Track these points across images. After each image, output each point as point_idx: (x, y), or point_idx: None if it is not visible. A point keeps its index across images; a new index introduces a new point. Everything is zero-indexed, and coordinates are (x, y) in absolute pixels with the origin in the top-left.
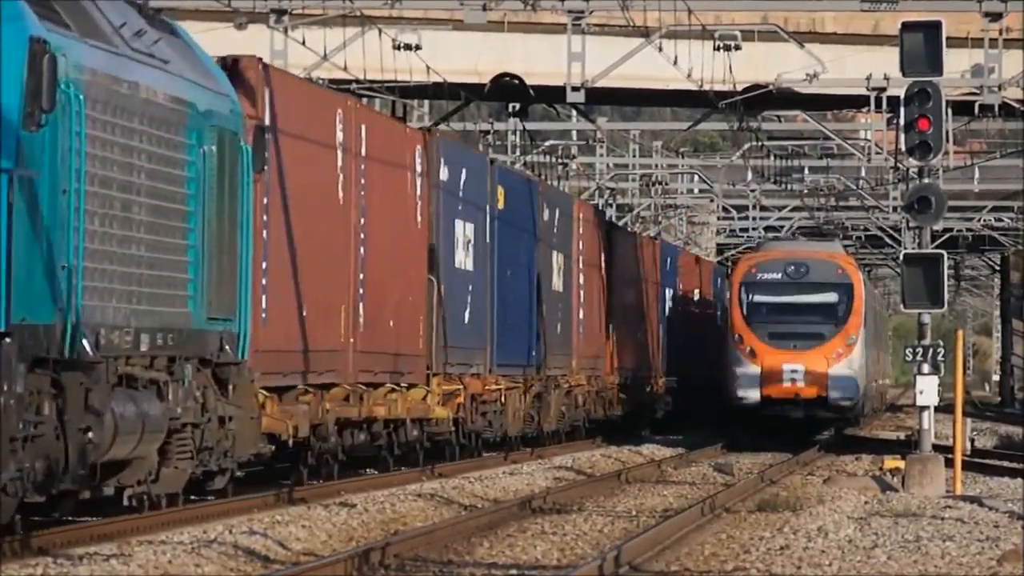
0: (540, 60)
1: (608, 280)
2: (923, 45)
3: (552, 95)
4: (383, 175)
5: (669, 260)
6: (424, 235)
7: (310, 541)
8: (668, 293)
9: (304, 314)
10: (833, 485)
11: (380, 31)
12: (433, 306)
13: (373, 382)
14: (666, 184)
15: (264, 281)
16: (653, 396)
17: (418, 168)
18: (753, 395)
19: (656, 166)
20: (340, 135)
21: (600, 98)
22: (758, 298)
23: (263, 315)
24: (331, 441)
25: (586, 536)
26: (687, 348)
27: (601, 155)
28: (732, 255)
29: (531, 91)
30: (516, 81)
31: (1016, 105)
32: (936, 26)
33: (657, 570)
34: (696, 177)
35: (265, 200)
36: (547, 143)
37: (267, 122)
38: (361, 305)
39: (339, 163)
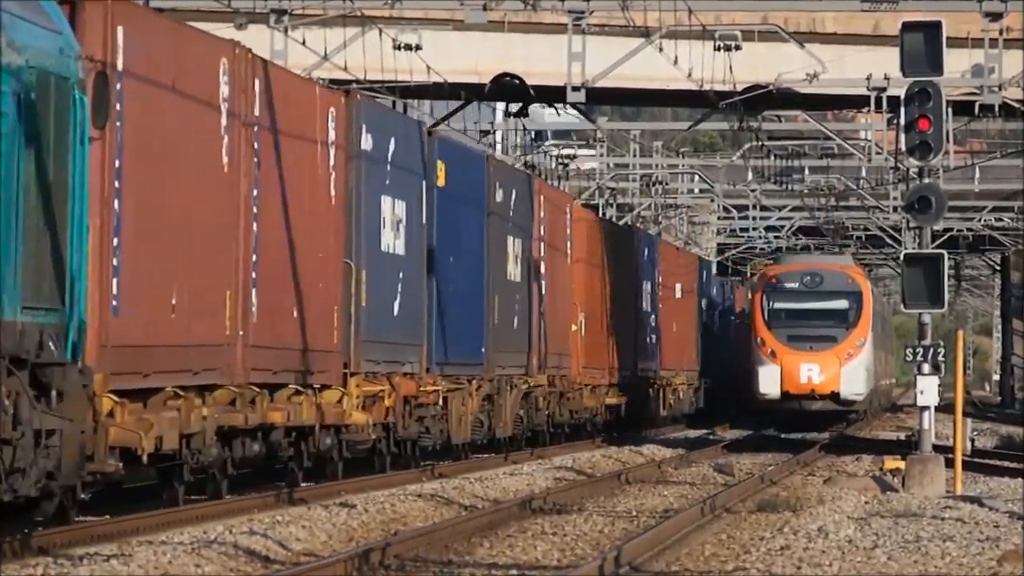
0: (540, 60)
1: (580, 271)
2: (923, 45)
3: (552, 95)
4: (286, 141)
5: (647, 250)
6: (340, 213)
7: (310, 541)
8: (647, 286)
9: (173, 302)
10: (833, 485)
11: (380, 31)
12: (351, 294)
13: (272, 383)
14: (666, 184)
15: (115, 262)
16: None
17: (331, 135)
18: (774, 391)
19: (656, 166)
20: (225, 90)
21: (600, 98)
22: (778, 305)
23: (113, 303)
24: (212, 454)
25: (586, 536)
26: (670, 345)
27: (601, 155)
28: (733, 255)
29: (531, 91)
30: (516, 81)
31: (1016, 105)
32: (936, 26)
33: (657, 570)
34: (696, 177)
35: (118, 163)
36: (547, 143)
37: (120, 68)
38: (254, 292)
39: (223, 124)
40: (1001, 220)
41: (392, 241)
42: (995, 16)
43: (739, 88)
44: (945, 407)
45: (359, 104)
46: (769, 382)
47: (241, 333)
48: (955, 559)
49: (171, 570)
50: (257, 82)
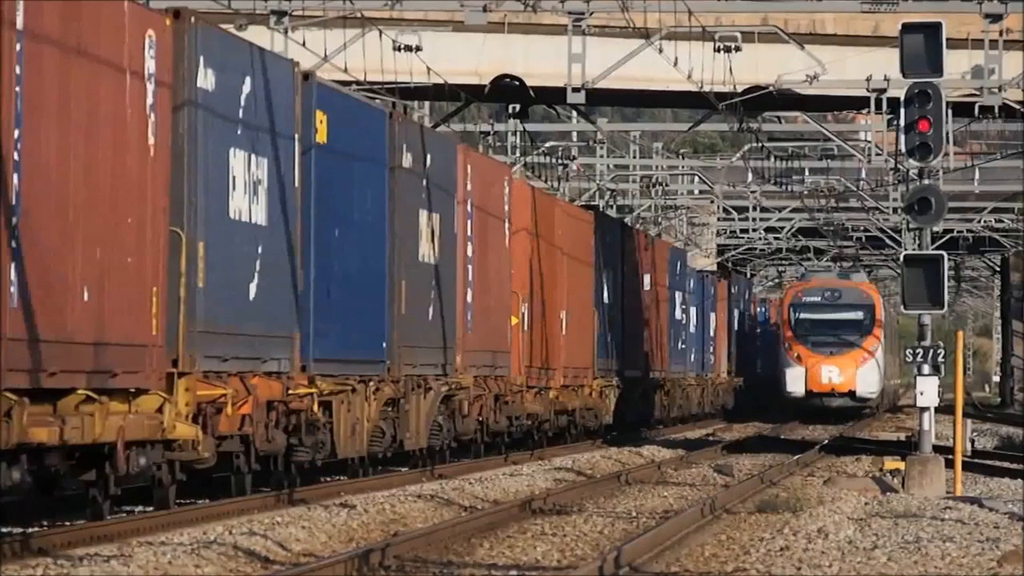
0: (540, 61)
1: (522, 257)
2: (923, 46)
3: (552, 96)
4: (75, 71)
5: (608, 237)
6: (163, 167)
7: (310, 542)
8: (608, 277)
9: None
10: (833, 486)
11: (380, 32)
12: (181, 272)
13: (46, 387)
14: (666, 185)
15: None
16: (588, 399)
17: (149, 67)
18: (799, 389)
19: (656, 167)
20: None
21: (600, 99)
22: (803, 316)
23: None
24: None
25: (586, 537)
26: (633, 342)
27: (601, 156)
28: (732, 255)
29: (531, 92)
30: (516, 82)
31: (1016, 106)
32: (936, 27)
33: (657, 571)
34: (696, 178)
35: None
36: (547, 144)
37: None
38: (12, 267)
39: None
40: (1001, 221)
41: (247, 207)
42: (995, 17)
43: (739, 89)
44: (945, 408)
45: (195, 30)
46: (795, 382)
47: None
48: (955, 560)
49: (171, 571)
50: None
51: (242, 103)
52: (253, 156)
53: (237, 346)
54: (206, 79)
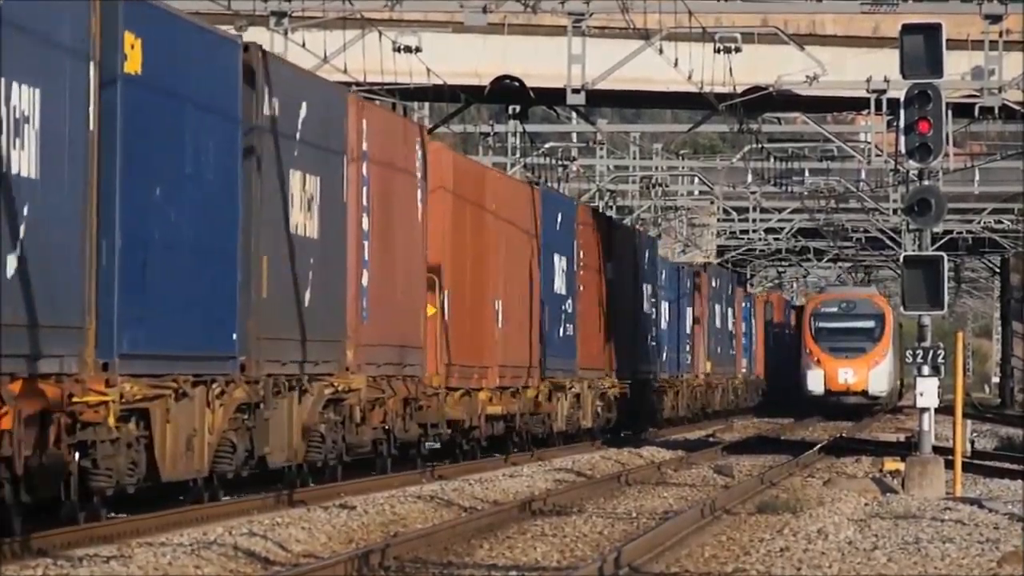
0: (540, 62)
1: (441, 235)
2: (923, 47)
3: (552, 97)
4: None
5: (561, 217)
6: None
7: (310, 543)
8: (560, 264)
9: None
10: (833, 487)
11: (380, 33)
12: None
13: None
14: (666, 186)
15: None
16: (532, 403)
17: None
18: (819, 389)
19: (656, 168)
20: None
21: (600, 100)
22: (821, 324)
23: None
24: None
25: (586, 538)
26: (592, 338)
27: (601, 157)
28: (732, 257)
29: (531, 93)
30: (516, 83)
31: (1016, 107)
32: (936, 28)
33: (657, 572)
34: (696, 179)
35: None
36: (547, 145)
37: None
38: None
39: None
40: (1001, 222)
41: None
42: (995, 18)
43: (739, 90)
44: (945, 409)
45: None
46: (815, 382)
47: None
48: (955, 560)
49: (171, 571)
50: None
51: None
52: (13, 83)
53: None
54: None
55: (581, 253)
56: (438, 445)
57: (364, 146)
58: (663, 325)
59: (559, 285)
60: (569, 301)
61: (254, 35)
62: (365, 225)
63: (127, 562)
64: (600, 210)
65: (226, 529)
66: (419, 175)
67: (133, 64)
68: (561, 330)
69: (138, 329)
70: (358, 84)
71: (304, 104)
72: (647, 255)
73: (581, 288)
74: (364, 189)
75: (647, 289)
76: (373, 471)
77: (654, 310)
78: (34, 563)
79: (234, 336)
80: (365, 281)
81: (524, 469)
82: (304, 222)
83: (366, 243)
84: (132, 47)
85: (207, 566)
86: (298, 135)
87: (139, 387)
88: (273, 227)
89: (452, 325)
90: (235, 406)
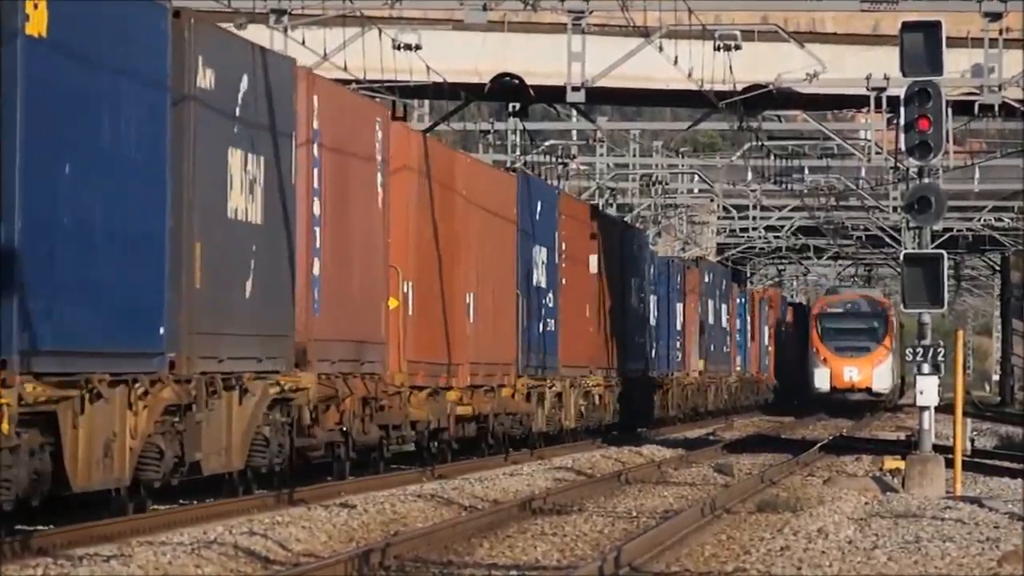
0: (540, 60)
1: (404, 222)
2: (923, 45)
3: (552, 95)
4: None
5: (542, 206)
6: None
7: (310, 542)
8: (541, 256)
9: None
10: (833, 486)
11: (380, 31)
12: None
13: None
14: (666, 184)
15: None
16: (509, 402)
17: None
18: (825, 386)
19: (656, 166)
20: None
21: (600, 98)
22: (828, 325)
23: None
24: None
25: (586, 537)
26: (575, 334)
27: (601, 155)
28: (732, 255)
29: (531, 91)
30: (516, 81)
31: (1016, 105)
32: (936, 26)
33: (657, 571)
34: (696, 177)
35: None
36: (547, 143)
37: None
38: None
39: None
40: (1001, 220)
41: None
42: (995, 16)
43: (739, 88)
44: (945, 407)
45: None
46: (822, 380)
47: None
48: (955, 560)
49: (171, 571)
50: None
51: None
52: None
53: None
54: None
55: (564, 244)
56: (412, 448)
57: (316, 124)
58: (652, 321)
59: (539, 278)
60: (550, 295)
61: (254, 33)
62: (317, 210)
63: (127, 561)
64: (600, 207)
65: (226, 528)
66: (379, 157)
67: (36, 26)
68: (541, 325)
69: (43, 324)
70: (358, 82)
71: (245, 77)
72: (635, 247)
73: (564, 281)
74: (315, 171)
75: (635, 283)
76: (373, 471)
77: (643, 305)
78: (34, 563)
79: (161, 331)
80: (317, 271)
81: (524, 468)
82: (245, 206)
83: (318, 230)
84: (35, 7)
85: (207, 565)
86: (238, 111)
87: (43, 388)
88: (208, 211)
89: (417, 319)
90: (162, 408)
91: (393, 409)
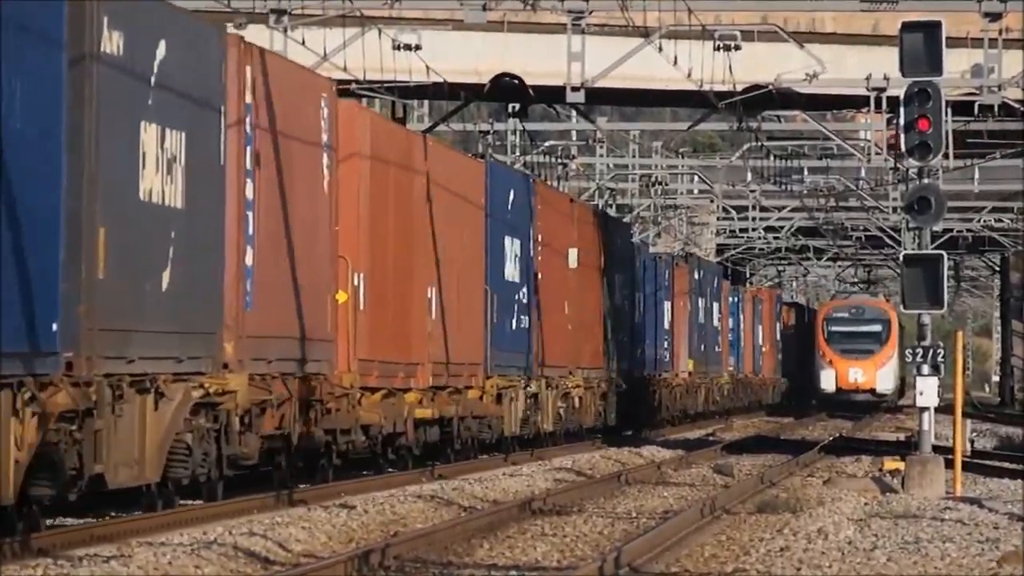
0: (540, 60)
1: (354, 208)
2: (923, 45)
3: (552, 95)
4: None
5: (514, 195)
6: None
7: (310, 542)
8: (513, 246)
9: None
10: (833, 487)
11: (380, 31)
12: None
13: None
14: (666, 184)
15: None
16: (476, 405)
17: None
18: (831, 387)
19: (656, 166)
20: None
21: (600, 98)
22: (834, 328)
23: None
24: None
25: (586, 537)
26: (553, 332)
27: (601, 155)
28: (732, 255)
29: (531, 91)
30: (516, 81)
31: (1016, 105)
32: (936, 26)
33: (657, 572)
34: (696, 177)
35: None
36: (547, 144)
37: None
38: None
39: None
40: (1001, 221)
41: None
42: (994, 16)
43: (739, 88)
44: (944, 408)
45: None
46: (828, 381)
47: None
48: (955, 560)
49: (171, 571)
50: None
51: None
52: None
53: None
54: None
55: (540, 236)
56: (370, 454)
57: (249, 98)
58: (638, 319)
59: (511, 271)
60: (524, 290)
61: (254, 33)
62: (250, 193)
63: (127, 562)
64: (601, 207)
65: (226, 529)
66: (325, 137)
67: None
68: (513, 322)
69: None
70: (358, 82)
71: (163, 43)
72: (619, 242)
73: (540, 275)
74: (248, 150)
75: (620, 279)
76: (372, 471)
77: (628, 302)
78: (34, 563)
79: (55, 327)
80: (250, 260)
81: (524, 468)
82: (162, 187)
83: (251, 215)
84: None
85: (207, 566)
86: (153, 79)
87: None
88: (115, 192)
89: (370, 314)
90: (56, 415)
91: (340, 412)
